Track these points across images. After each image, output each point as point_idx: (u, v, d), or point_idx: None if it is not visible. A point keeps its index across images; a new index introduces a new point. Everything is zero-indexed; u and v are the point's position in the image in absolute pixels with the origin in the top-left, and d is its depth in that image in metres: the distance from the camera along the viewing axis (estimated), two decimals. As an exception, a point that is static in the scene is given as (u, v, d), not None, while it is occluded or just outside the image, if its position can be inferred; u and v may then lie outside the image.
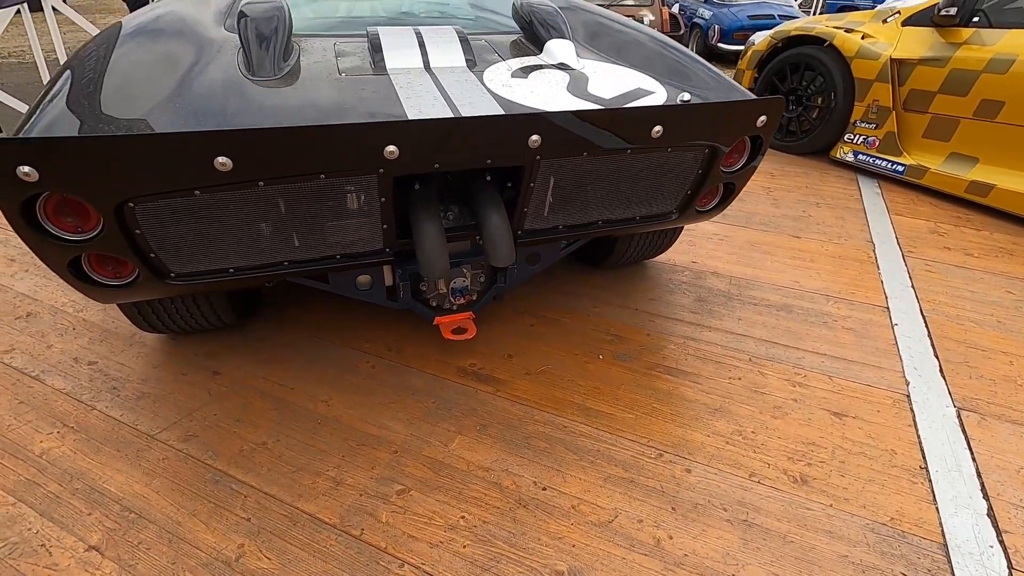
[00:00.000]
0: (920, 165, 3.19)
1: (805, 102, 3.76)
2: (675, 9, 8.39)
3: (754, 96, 1.49)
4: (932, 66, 3.08)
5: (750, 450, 1.47)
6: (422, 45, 1.63)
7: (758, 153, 1.63)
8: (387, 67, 1.52)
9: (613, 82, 1.55)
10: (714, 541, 1.23)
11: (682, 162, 1.56)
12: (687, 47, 7.91)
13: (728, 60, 8.56)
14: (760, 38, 4.03)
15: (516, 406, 1.61)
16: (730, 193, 1.76)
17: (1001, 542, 1.24)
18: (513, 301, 2.09)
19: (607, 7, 6.62)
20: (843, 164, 3.62)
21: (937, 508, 1.32)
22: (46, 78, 4.25)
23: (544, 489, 1.35)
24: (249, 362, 1.77)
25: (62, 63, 1.37)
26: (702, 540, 1.24)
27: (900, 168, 3.28)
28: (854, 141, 3.50)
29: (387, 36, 1.64)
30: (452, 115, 1.25)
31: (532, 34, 1.81)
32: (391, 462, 1.42)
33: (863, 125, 3.43)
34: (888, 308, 2.11)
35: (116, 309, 2.00)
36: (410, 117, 1.24)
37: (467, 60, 1.60)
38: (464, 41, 1.67)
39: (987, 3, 2.97)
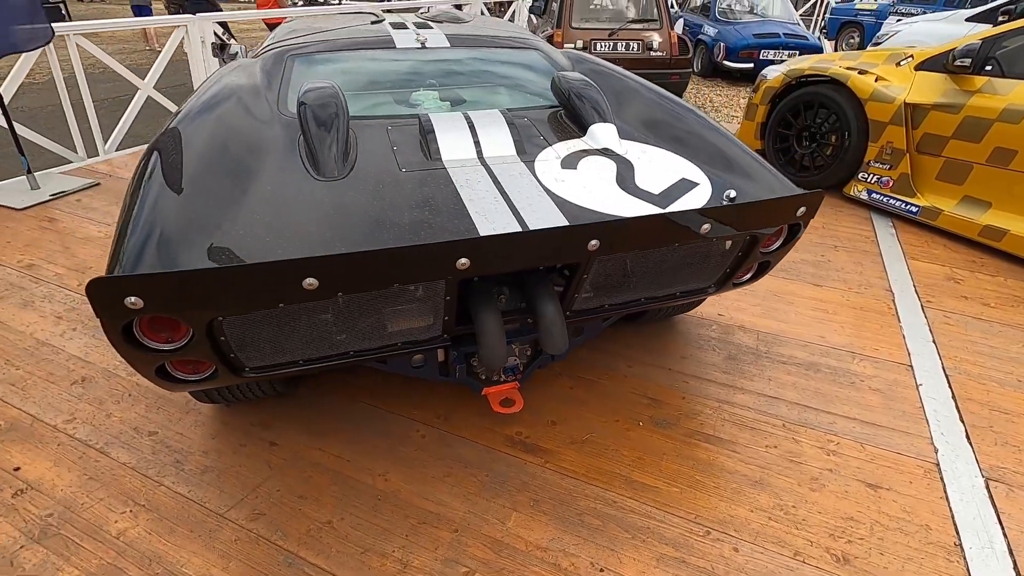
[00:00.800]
0: (934, 207, 3.28)
1: (819, 139, 3.83)
2: (679, 26, 8.47)
3: (796, 191, 1.56)
4: (946, 112, 3.16)
5: (792, 526, 1.55)
6: (472, 130, 1.70)
7: (795, 236, 1.70)
8: (443, 159, 1.59)
9: (658, 172, 1.63)
10: (766, 626, 1.31)
11: (723, 248, 1.64)
12: (694, 65, 7.89)
13: (734, 77, 8.65)
14: (773, 73, 4.10)
15: (565, 479, 1.68)
16: (765, 268, 1.83)
17: (1036, 625, 1.32)
18: (552, 363, 2.16)
19: (616, 31, 6.66)
20: (857, 201, 3.69)
21: (974, 589, 1.40)
22: (66, 103, 4.25)
23: (601, 571, 1.43)
24: (303, 432, 1.84)
25: (134, 177, 1.43)
26: (755, 625, 1.31)
27: (914, 209, 3.36)
28: (868, 180, 3.58)
29: (439, 122, 1.71)
30: (520, 228, 1.32)
31: (572, 111, 1.88)
32: (453, 542, 1.49)
33: (877, 165, 3.51)
34: (912, 366, 2.19)
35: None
36: (480, 231, 1.31)
37: (516, 145, 1.67)
38: (511, 124, 1.74)
39: (999, 52, 3.05)
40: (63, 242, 3.04)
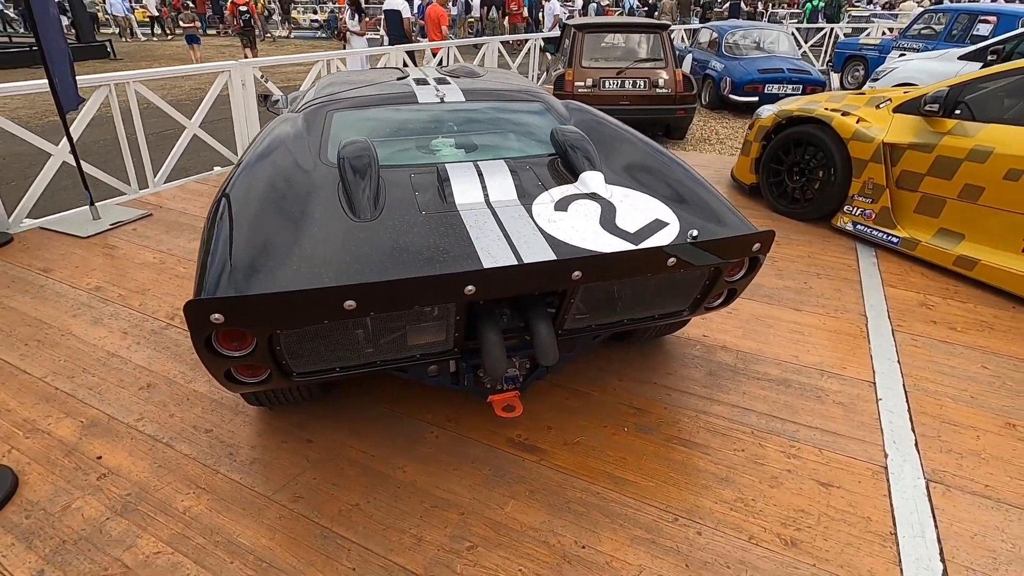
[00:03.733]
0: (912, 238, 3.52)
1: (807, 174, 4.12)
2: (687, 63, 8.85)
3: (752, 230, 1.86)
4: (920, 151, 3.43)
5: (750, 516, 1.80)
6: (481, 178, 2.03)
7: (755, 267, 1.99)
8: (456, 203, 1.92)
9: (635, 213, 1.94)
10: (719, 594, 1.56)
11: (692, 277, 1.94)
12: (701, 98, 8.22)
13: (740, 110, 8.98)
14: (766, 112, 4.42)
15: (557, 474, 1.96)
16: (733, 294, 2.12)
17: (951, 599, 1.55)
18: (550, 376, 2.45)
19: (623, 69, 7.02)
20: (843, 232, 3.95)
21: (901, 569, 1.64)
22: (123, 141, 4.66)
23: (583, 547, 1.70)
24: (336, 431, 2.15)
25: (209, 218, 1.78)
26: (710, 593, 1.57)
27: (895, 240, 3.61)
28: (853, 212, 3.85)
29: (453, 170, 2.05)
30: (516, 262, 1.64)
31: (566, 160, 2.21)
32: (460, 522, 1.78)
33: (860, 199, 3.78)
34: (875, 383, 2.43)
35: (221, 381, 2.39)
36: (485, 265, 1.63)
37: (517, 190, 1.99)
38: (514, 172, 2.07)
39: (969, 97, 3.32)
40: (123, 267, 3.44)
